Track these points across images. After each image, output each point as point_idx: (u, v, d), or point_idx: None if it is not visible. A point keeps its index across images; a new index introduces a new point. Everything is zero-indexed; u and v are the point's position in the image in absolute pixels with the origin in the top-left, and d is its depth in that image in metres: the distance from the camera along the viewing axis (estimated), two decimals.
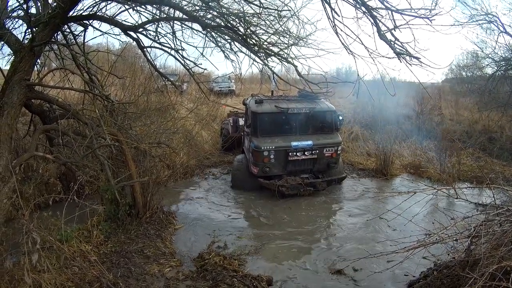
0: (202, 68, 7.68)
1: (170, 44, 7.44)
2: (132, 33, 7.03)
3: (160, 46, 7.36)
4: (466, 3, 16.83)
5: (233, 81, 26.54)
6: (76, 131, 7.57)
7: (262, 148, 9.32)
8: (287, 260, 6.63)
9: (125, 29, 6.79)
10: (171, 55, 7.46)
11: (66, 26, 7.07)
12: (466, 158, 12.44)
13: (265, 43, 6.73)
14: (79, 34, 7.64)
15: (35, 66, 6.75)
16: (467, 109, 18.44)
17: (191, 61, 7.51)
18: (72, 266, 5.13)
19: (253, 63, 7.12)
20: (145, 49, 7.44)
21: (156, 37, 7.34)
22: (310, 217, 8.55)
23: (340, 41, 5.36)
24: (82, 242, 6.24)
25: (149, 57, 7.76)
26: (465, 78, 23.28)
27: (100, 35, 7.58)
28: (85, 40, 7.74)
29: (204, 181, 11.21)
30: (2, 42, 6.47)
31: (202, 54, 7.42)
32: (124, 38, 7.69)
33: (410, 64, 5.35)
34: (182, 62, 7.53)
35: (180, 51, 7.45)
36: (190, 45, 7.52)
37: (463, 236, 4.66)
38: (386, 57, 5.44)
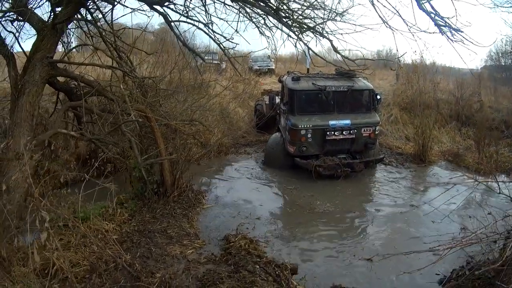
0: (233, 43, 7.29)
1: (199, 18, 7.14)
2: (158, 7, 6.79)
3: (188, 20, 7.08)
4: None
5: (273, 60, 25.45)
6: (103, 108, 7.42)
7: (300, 126, 9.06)
8: (315, 246, 6.33)
9: (151, 2, 6.54)
10: (200, 28, 7.18)
11: (92, 2, 6.93)
12: (504, 149, 11.77)
13: (300, 17, 6.36)
14: (107, 12, 7.47)
15: (61, 44, 6.66)
16: (505, 97, 17.42)
17: (221, 35, 7.20)
18: (91, 245, 5.00)
19: (287, 38, 6.70)
20: (173, 24, 7.17)
21: (184, 11, 7.02)
22: (344, 202, 8.14)
23: (378, 14, 4.99)
24: (105, 220, 6.16)
25: (176, 31, 7.45)
26: (506, 66, 22.35)
27: (129, 13, 7.31)
28: (114, 18, 7.60)
29: (238, 160, 11.03)
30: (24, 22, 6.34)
31: (236, 30, 7.09)
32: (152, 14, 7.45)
33: (452, 40, 4.87)
34: (212, 36, 7.24)
35: (209, 25, 7.14)
36: (222, 19, 7.16)
37: (502, 237, 4.32)
38: (426, 32, 5.11)
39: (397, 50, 5.30)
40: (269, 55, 24.51)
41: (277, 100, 11.58)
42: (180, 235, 6.17)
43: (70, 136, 6.89)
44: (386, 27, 5.21)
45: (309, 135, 9.16)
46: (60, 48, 7.34)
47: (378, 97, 10.21)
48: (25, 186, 4.80)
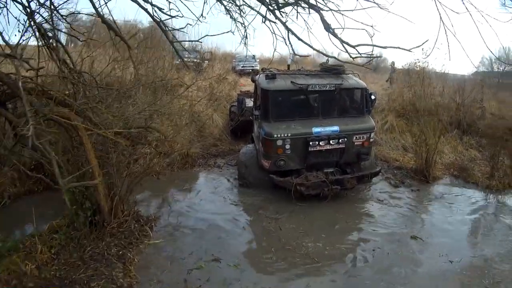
0: (168, 15, 5.33)
1: None
2: None
3: None
4: None
5: (258, 60, 25.20)
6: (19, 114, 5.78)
7: (275, 135, 7.24)
8: None
9: None
10: None
11: None
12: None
13: None
14: None
15: None
16: (506, 104, 16.09)
17: (160, 9, 5.26)
18: None
19: (264, 21, 4.92)
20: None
21: None
22: (332, 233, 6.45)
23: None
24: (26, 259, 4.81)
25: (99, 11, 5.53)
26: (499, 72, 22.27)
27: None
28: None
29: (206, 174, 9.21)
30: None
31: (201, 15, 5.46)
32: None
33: None
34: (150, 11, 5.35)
35: None
36: None
37: None
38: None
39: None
40: (254, 55, 23.95)
41: (250, 103, 9.84)
42: None
43: None
44: None
45: (287, 146, 7.37)
46: None
47: (373, 97, 8.41)
48: None
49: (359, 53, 4.03)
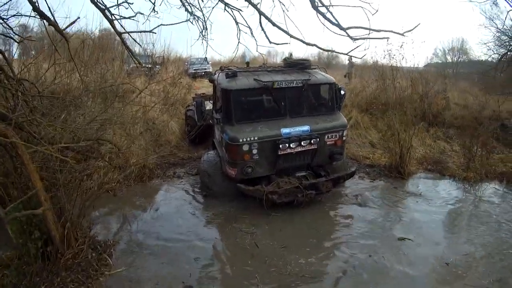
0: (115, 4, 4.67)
1: None
2: None
3: None
4: None
5: (210, 62, 24.81)
6: None
7: (241, 140, 6.53)
8: None
9: None
10: None
11: None
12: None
13: None
14: None
15: None
16: (467, 93, 16.61)
17: None
18: None
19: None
20: None
21: None
22: (316, 246, 5.80)
23: None
24: None
25: None
26: (453, 62, 23.28)
27: None
28: None
29: (166, 186, 8.29)
30: None
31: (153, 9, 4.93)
32: None
33: None
34: None
35: None
36: None
37: None
38: None
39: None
40: (206, 57, 23.49)
41: (209, 106, 9.07)
42: None
43: None
44: None
45: (254, 151, 6.67)
46: None
47: (342, 92, 7.82)
48: None
49: (350, 37, 3.48)
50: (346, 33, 3.45)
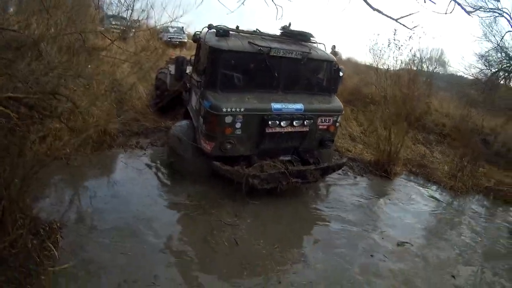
0: None
1: None
2: None
3: None
4: None
5: (186, 33, 23.45)
6: None
7: (224, 110, 5.45)
8: None
9: None
10: None
11: None
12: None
13: None
14: None
15: None
16: (446, 102, 16.33)
17: None
18: None
19: None
20: None
21: None
22: (311, 248, 5.12)
23: None
24: None
25: None
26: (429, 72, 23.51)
27: None
28: None
29: (127, 156, 7.07)
30: None
31: None
32: None
33: None
34: None
35: None
36: None
37: None
38: None
39: None
40: (182, 27, 22.70)
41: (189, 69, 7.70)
42: None
43: None
44: None
45: (238, 125, 5.62)
46: None
47: (341, 74, 6.88)
48: None
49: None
50: None
